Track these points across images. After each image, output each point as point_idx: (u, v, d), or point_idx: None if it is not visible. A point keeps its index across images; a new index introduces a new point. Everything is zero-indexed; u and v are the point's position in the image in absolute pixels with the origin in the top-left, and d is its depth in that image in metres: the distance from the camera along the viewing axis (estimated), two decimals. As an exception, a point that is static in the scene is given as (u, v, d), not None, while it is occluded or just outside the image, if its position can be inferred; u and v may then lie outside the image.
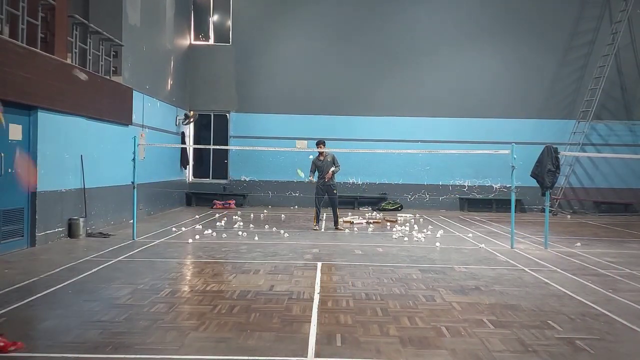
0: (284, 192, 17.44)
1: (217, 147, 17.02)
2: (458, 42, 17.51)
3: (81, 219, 9.80)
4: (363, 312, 5.18)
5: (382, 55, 17.59)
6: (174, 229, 11.25)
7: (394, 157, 17.16)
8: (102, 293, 5.78)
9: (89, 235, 9.95)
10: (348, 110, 17.54)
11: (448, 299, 5.73)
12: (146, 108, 13.38)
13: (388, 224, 13.13)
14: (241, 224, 12.04)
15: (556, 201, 17.00)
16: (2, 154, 7.91)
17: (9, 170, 8.12)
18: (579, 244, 10.07)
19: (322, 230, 11.61)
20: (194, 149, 17.73)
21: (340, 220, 12.00)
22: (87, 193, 10.22)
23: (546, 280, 6.77)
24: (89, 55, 10.80)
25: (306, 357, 4.01)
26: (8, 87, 7.72)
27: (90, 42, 10.80)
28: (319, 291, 6.00)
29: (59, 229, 9.38)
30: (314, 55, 17.64)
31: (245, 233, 10.64)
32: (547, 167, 9.29)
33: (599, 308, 5.47)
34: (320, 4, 17.63)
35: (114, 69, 11.80)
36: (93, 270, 6.89)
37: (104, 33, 11.11)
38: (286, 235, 10.61)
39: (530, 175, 9.70)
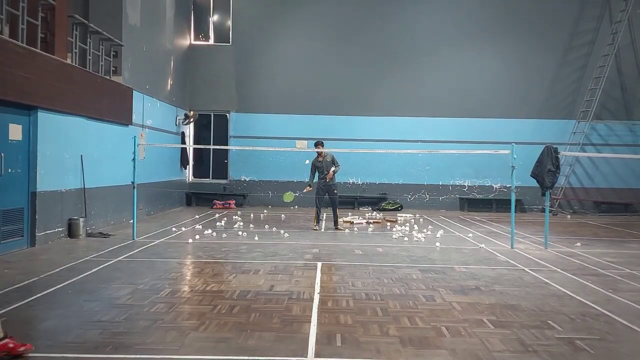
0: (284, 192, 17.36)
1: (217, 147, 17.02)
2: (458, 42, 17.51)
3: (81, 219, 9.80)
4: (363, 312, 5.18)
5: (382, 55, 17.59)
6: (174, 229, 11.25)
7: (394, 157, 17.16)
8: (102, 293, 5.78)
9: (89, 235, 9.95)
10: (348, 110, 17.54)
11: (448, 299, 5.73)
12: (146, 108, 13.38)
13: (388, 224, 13.12)
14: (241, 224, 12.04)
15: (556, 201, 17.00)
16: (2, 154, 7.92)
17: (9, 170, 8.12)
18: (579, 244, 10.07)
19: (322, 230, 11.61)
20: (194, 149, 17.73)
21: (340, 220, 12.00)
22: (87, 193, 10.22)
23: (546, 280, 6.77)
24: (89, 55, 10.80)
25: (306, 357, 4.01)
26: (8, 87, 7.73)
27: (90, 42, 10.81)
28: (319, 291, 6.00)
29: (59, 229, 9.38)
30: (314, 55, 17.64)
31: (245, 233, 10.64)
32: (547, 167, 9.29)
33: (599, 308, 5.47)
34: (320, 4, 17.63)
35: (114, 69, 11.80)
36: (93, 270, 6.89)
37: (104, 33, 11.11)
38: (286, 235, 10.61)
39: (530, 175, 9.70)
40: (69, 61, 9.88)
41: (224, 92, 17.73)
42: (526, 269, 7.48)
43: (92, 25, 10.81)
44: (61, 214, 9.45)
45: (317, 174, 11.79)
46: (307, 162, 11.98)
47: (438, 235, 10.85)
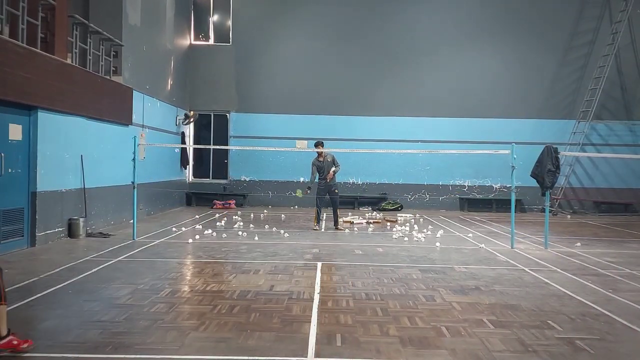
0: (284, 192, 17.44)
1: (217, 147, 17.02)
2: (458, 42, 17.51)
3: (81, 219, 9.80)
4: (363, 312, 5.18)
5: (382, 55, 17.59)
6: (174, 229, 11.25)
7: (394, 157, 17.16)
8: (102, 293, 5.78)
9: (89, 235, 9.95)
10: (348, 110, 17.54)
11: (448, 299, 5.73)
12: (146, 108, 13.38)
13: (388, 224, 13.13)
14: (241, 224, 12.04)
15: (556, 201, 17.00)
16: (2, 154, 7.92)
17: (9, 170, 8.12)
18: (579, 244, 10.07)
19: (322, 230, 11.61)
20: (194, 149, 17.73)
21: (340, 220, 12.00)
22: (87, 193, 10.22)
23: (546, 280, 6.77)
24: (89, 55, 10.80)
25: (306, 357, 4.01)
26: (8, 87, 7.73)
27: (90, 42, 10.81)
28: (319, 291, 6.00)
29: (59, 229, 9.38)
30: (314, 55, 17.64)
31: (245, 233, 10.64)
32: (547, 167, 9.29)
33: (599, 308, 5.47)
34: (320, 4, 17.63)
35: (114, 69, 11.80)
36: (93, 270, 6.89)
37: (104, 33, 11.11)
38: (286, 235, 10.61)
39: (530, 175, 9.70)
40: (69, 61, 9.88)
41: (224, 92, 17.73)
42: (526, 269, 7.49)
43: (92, 25, 10.82)
44: (61, 214, 9.45)
45: (317, 174, 11.80)
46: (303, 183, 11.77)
47: (438, 235, 10.85)
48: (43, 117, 8.84)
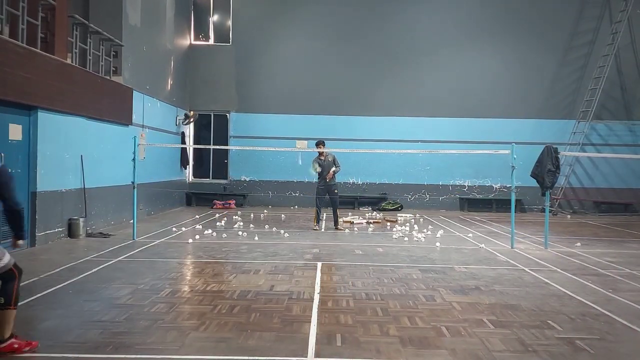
0: (284, 192, 17.44)
1: (217, 147, 17.02)
2: (458, 42, 17.51)
3: (81, 219, 9.80)
4: (363, 312, 5.18)
5: (382, 55, 17.59)
6: (174, 229, 11.25)
7: (394, 157, 17.15)
8: (102, 293, 5.78)
9: (89, 235, 9.95)
10: (348, 110, 17.54)
11: (448, 299, 5.73)
12: (146, 108, 13.38)
13: (388, 224, 13.13)
14: (241, 224, 12.04)
15: (556, 201, 17.00)
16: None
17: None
18: (579, 244, 10.07)
19: (322, 230, 11.61)
20: (194, 149, 17.73)
21: (340, 220, 12.00)
22: (87, 193, 10.22)
23: (546, 280, 6.77)
24: (89, 55, 10.80)
25: (306, 357, 4.01)
26: (8, 87, 7.73)
27: (90, 42, 10.81)
28: (319, 291, 6.00)
29: (59, 229, 9.38)
30: (314, 55, 17.63)
31: (245, 233, 10.64)
32: (547, 167, 9.29)
33: (599, 308, 5.47)
34: (320, 4, 17.63)
35: (114, 69, 11.80)
36: (93, 270, 6.89)
37: (104, 33, 11.11)
38: (286, 235, 10.61)
39: (530, 175, 9.70)
40: (69, 61, 9.88)
41: (224, 92, 17.73)
42: (526, 269, 7.49)
43: (92, 25, 10.82)
44: (61, 214, 9.45)
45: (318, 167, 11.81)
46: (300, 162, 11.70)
47: (438, 235, 10.85)
48: (43, 117, 8.84)
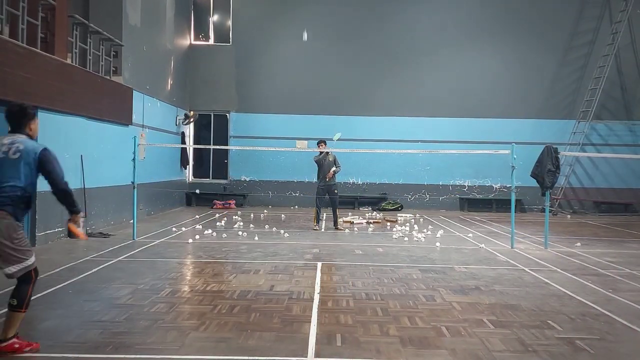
0: (284, 192, 17.44)
1: (217, 147, 17.02)
2: (458, 42, 17.51)
3: (81, 219, 9.78)
4: (363, 312, 5.18)
5: (382, 55, 17.59)
6: (174, 229, 11.25)
7: (394, 157, 17.15)
8: (102, 293, 5.78)
9: (89, 235, 9.95)
10: (348, 110, 17.54)
11: (448, 299, 5.73)
12: (146, 108, 13.38)
13: (388, 224, 13.13)
14: (241, 224, 12.04)
15: (556, 201, 17.00)
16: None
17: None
18: (579, 244, 10.07)
19: (322, 230, 11.61)
20: (194, 149, 17.73)
21: (340, 220, 12.00)
22: (87, 193, 10.22)
23: (546, 280, 6.77)
24: (89, 55, 10.80)
25: (306, 357, 4.01)
26: (8, 87, 7.72)
27: (90, 42, 10.81)
28: (319, 291, 6.00)
29: (59, 229, 9.38)
30: (314, 55, 17.63)
31: (245, 233, 10.64)
32: (547, 167, 9.29)
33: (599, 308, 5.47)
34: (320, 4, 17.63)
35: (114, 69, 11.80)
36: (93, 270, 6.89)
37: (104, 33, 11.11)
38: (286, 235, 10.61)
39: (530, 175, 9.70)
40: (69, 61, 9.88)
41: (224, 92, 17.73)
42: (526, 269, 7.49)
43: (92, 25, 10.82)
44: (61, 214, 9.42)
45: (317, 174, 11.84)
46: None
47: (438, 235, 10.85)
48: (43, 117, 8.81)
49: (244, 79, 17.68)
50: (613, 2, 17.45)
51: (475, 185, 17.56)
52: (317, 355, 4.04)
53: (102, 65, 11.18)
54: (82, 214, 4.47)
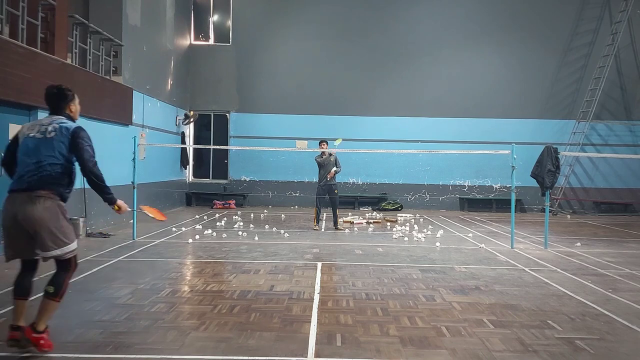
0: (284, 192, 17.44)
1: (217, 147, 17.03)
2: (458, 42, 17.51)
3: (81, 219, 9.80)
4: (363, 312, 5.18)
5: (383, 55, 17.59)
6: (174, 229, 11.25)
7: (394, 157, 17.15)
8: (102, 293, 5.78)
9: (89, 235, 9.96)
10: (348, 110, 17.54)
11: (448, 299, 5.73)
12: (146, 108, 13.38)
13: (388, 224, 13.13)
14: (241, 224, 12.04)
15: (556, 201, 17.01)
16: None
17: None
18: (578, 244, 10.08)
19: (322, 230, 11.61)
20: (194, 149, 17.74)
21: (340, 220, 12.01)
22: (87, 193, 10.21)
23: (546, 280, 6.77)
24: (89, 55, 10.80)
25: (306, 357, 4.01)
26: (8, 87, 7.73)
27: (90, 42, 10.81)
28: (319, 291, 6.00)
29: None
30: (314, 55, 17.64)
31: (245, 233, 10.65)
32: (547, 167, 9.30)
33: (598, 308, 5.47)
34: (321, 4, 17.63)
35: (114, 69, 11.80)
36: (93, 270, 6.90)
37: (104, 33, 11.11)
38: (286, 235, 10.61)
39: (530, 176, 9.71)
40: (69, 61, 9.88)
41: (224, 92, 17.74)
42: (526, 269, 7.49)
43: (92, 25, 10.82)
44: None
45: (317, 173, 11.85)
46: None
47: (438, 235, 10.85)
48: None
49: (244, 79, 17.69)
50: (613, 3, 17.45)
51: (475, 185, 17.56)
52: (317, 355, 4.04)
53: (102, 65, 11.18)
54: (119, 202, 4.28)
